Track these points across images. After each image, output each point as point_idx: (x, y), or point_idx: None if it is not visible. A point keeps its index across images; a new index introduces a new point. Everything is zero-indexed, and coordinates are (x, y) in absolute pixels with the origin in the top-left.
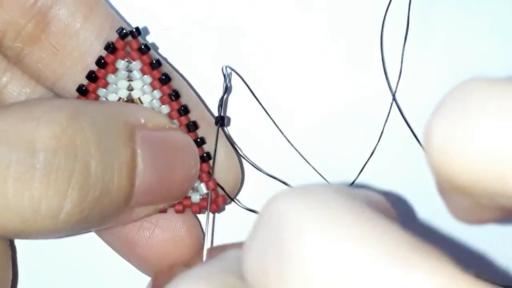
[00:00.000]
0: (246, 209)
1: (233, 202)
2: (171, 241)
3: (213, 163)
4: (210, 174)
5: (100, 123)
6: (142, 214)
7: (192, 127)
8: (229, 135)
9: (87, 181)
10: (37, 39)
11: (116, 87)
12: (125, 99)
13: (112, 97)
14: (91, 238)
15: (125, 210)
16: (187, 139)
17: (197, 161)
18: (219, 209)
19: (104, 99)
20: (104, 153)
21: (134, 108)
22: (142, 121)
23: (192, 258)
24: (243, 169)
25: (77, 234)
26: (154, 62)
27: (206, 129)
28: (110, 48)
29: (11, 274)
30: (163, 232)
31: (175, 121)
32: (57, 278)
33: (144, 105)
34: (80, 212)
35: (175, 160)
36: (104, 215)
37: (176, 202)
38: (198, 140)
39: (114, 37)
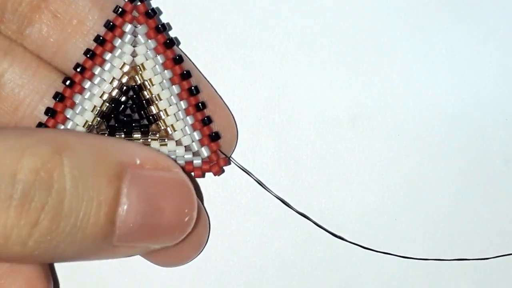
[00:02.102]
0: (242, 168)
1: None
2: None
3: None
4: (210, 137)
5: (85, 159)
6: (129, 253)
7: (194, 91)
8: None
9: (59, 213)
10: (37, 8)
11: (122, 52)
12: (129, 64)
13: (117, 62)
14: None
15: (107, 247)
16: (186, 184)
17: (192, 208)
18: (222, 171)
19: (109, 64)
20: (82, 189)
21: (132, 146)
22: (138, 161)
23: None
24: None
25: (56, 262)
26: (159, 26)
27: (208, 93)
28: (120, 10)
29: None
30: None
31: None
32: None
33: (147, 71)
34: (48, 241)
35: (167, 203)
36: (79, 248)
37: (169, 244)
38: (200, 104)
39: (110, 3)
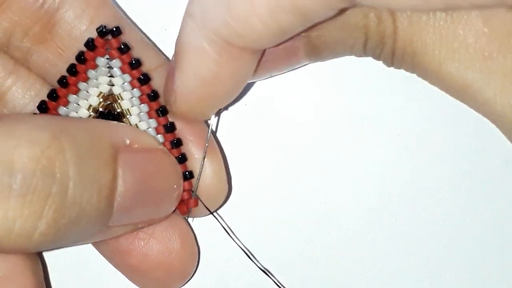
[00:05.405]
0: (222, 225)
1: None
2: (166, 252)
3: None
4: (183, 175)
5: (83, 144)
6: (120, 232)
7: (170, 128)
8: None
9: (63, 202)
10: (43, 39)
11: (97, 82)
12: (106, 93)
13: (93, 91)
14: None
15: (103, 229)
16: (171, 161)
17: (179, 184)
18: (189, 211)
19: (85, 92)
20: (84, 175)
21: (120, 128)
22: (127, 142)
23: (186, 269)
24: (231, 184)
25: (52, 250)
26: (133, 62)
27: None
28: (90, 45)
29: None
30: (158, 243)
31: (160, 137)
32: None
33: (124, 101)
34: (55, 232)
35: (157, 182)
36: (79, 235)
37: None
38: (175, 141)
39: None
